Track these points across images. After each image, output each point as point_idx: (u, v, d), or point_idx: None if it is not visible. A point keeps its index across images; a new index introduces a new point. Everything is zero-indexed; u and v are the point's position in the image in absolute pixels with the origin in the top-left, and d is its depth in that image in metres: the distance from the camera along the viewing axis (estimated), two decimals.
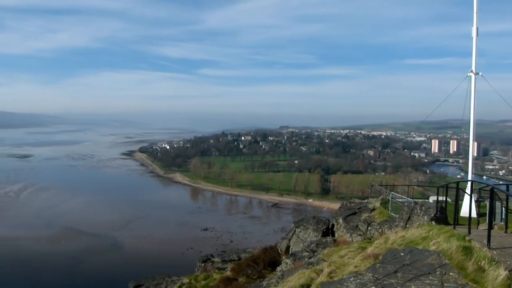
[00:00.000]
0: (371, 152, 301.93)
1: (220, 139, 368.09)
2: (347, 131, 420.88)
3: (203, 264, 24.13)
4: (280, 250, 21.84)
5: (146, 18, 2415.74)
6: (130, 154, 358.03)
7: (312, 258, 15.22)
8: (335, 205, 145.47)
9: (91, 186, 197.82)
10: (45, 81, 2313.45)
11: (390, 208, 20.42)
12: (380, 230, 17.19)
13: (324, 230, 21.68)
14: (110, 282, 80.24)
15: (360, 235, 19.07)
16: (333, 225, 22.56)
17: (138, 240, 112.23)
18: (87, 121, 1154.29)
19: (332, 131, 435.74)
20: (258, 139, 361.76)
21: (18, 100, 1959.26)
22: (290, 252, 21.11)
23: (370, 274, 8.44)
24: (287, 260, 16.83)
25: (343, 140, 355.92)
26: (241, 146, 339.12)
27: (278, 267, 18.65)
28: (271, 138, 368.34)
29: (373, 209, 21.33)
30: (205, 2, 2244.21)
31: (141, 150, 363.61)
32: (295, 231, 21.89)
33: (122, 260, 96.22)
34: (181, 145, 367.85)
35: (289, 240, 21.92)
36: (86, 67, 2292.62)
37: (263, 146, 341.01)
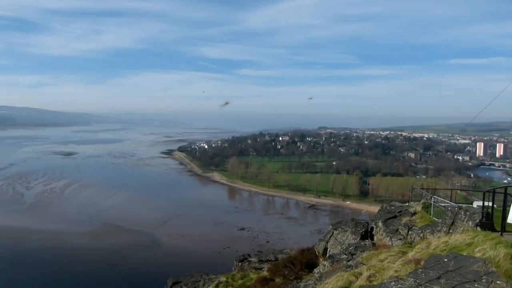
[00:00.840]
0: (412, 155, 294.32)
1: (258, 139, 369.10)
2: (387, 132, 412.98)
3: (240, 264, 24.24)
4: (318, 252, 21.61)
5: (187, 19, 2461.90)
6: (169, 153, 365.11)
7: (350, 261, 14.98)
8: (374, 208, 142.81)
9: (132, 183, 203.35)
10: (90, 81, 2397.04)
11: (432, 213, 19.83)
12: (422, 235, 16.73)
13: (363, 233, 21.29)
14: (150, 278, 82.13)
15: (400, 239, 18.63)
16: (372, 228, 22.12)
17: (176, 238, 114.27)
18: (129, 120, 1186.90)
19: (372, 132, 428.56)
20: (296, 139, 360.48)
21: (64, 100, 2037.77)
22: (327, 254, 20.86)
23: (412, 279, 8.22)
24: (325, 262, 16.63)
25: (383, 141, 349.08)
26: (279, 147, 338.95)
27: (315, 269, 18.48)
28: (309, 139, 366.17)
29: (414, 213, 20.78)
30: (245, 3, 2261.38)
31: (180, 149, 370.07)
32: (333, 233, 21.61)
33: (160, 257, 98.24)
34: (219, 144, 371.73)
35: (327, 242, 21.66)
36: (129, 67, 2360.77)
37: (301, 146, 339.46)
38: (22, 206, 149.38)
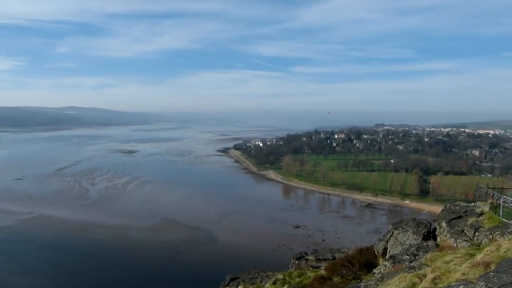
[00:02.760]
0: (476, 152, 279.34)
1: (313, 137, 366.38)
2: (449, 129, 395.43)
3: (297, 261, 24.11)
4: (377, 252, 21.05)
5: (242, 18, 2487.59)
6: (225, 151, 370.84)
7: (413, 262, 14.45)
8: (435, 208, 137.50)
9: (189, 181, 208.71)
10: (149, 81, 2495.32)
11: (501, 213, 18.69)
12: (491, 236, 15.80)
13: (425, 233, 20.47)
14: (207, 272, 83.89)
15: (466, 240, 17.71)
16: (434, 229, 21.22)
17: (232, 234, 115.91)
18: (186, 119, 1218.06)
19: (432, 129, 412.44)
20: (352, 137, 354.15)
21: (126, 100, 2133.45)
22: (387, 255, 20.26)
23: (483, 283, 7.79)
24: (386, 263, 16.14)
25: (444, 138, 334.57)
26: (334, 144, 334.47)
27: (375, 269, 18.00)
28: (366, 136, 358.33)
29: (481, 214, 19.67)
30: (299, 0, 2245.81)
31: (236, 147, 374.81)
32: (393, 233, 20.95)
33: (217, 253, 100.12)
34: (274, 142, 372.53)
35: (387, 242, 21.03)
36: (186, 67, 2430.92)
37: (357, 144, 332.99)
38: (88, 201, 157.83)
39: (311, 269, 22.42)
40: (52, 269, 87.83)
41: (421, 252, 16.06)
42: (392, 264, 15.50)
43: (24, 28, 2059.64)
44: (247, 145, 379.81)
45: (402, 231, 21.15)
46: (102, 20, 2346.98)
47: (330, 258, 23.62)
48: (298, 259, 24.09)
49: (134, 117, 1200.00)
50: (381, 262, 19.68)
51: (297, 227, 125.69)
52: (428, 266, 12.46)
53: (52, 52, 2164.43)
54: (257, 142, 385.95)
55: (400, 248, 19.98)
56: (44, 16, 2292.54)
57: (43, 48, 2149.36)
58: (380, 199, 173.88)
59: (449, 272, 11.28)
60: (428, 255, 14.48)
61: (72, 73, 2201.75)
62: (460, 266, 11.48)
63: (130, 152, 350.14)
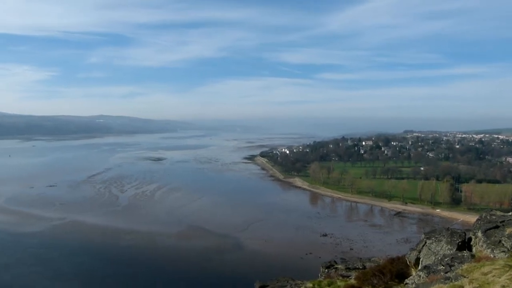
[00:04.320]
0: (511, 159, 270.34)
1: (340, 144, 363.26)
2: (482, 135, 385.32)
3: (326, 270, 23.71)
4: (409, 262, 20.50)
5: (268, 26, 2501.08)
6: (251, 158, 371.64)
7: (449, 273, 13.97)
8: (468, 217, 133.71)
9: (216, 188, 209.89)
10: (176, 90, 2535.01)
11: None
12: None
13: (460, 243, 19.79)
14: (235, 280, 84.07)
15: (503, 251, 17.01)
16: (469, 239, 20.52)
17: (259, 242, 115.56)
18: (213, 126, 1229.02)
19: (464, 135, 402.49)
20: (380, 144, 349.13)
21: (154, 108, 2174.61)
22: (420, 265, 19.70)
23: None
24: (420, 273, 15.69)
25: (477, 145, 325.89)
26: (362, 151, 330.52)
27: (408, 279, 17.51)
28: (394, 143, 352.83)
29: None
30: (325, 6, 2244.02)
31: (262, 155, 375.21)
32: (425, 242, 20.36)
33: (244, 260, 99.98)
34: (300, 150, 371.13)
35: (419, 251, 20.45)
36: (212, 76, 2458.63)
37: (386, 151, 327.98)
38: (117, 208, 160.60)
39: (340, 278, 22.01)
40: (82, 274, 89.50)
41: (456, 263, 15.52)
42: (427, 275, 15.05)
43: (57, 40, 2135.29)
44: (274, 152, 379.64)
45: (435, 241, 20.54)
46: (131, 31, 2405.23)
47: (360, 267, 23.12)
48: (327, 267, 23.68)
49: (162, 125, 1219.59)
50: (413, 272, 19.14)
51: (325, 235, 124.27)
52: (465, 277, 12.03)
53: (84, 62, 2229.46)
54: (283, 149, 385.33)
55: (434, 258, 19.39)
56: (76, 28, 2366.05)
57: (75, 59, 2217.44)
58: (410, 207, 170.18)
59: (487, 283, 10.87)
60: (464, 266, 13.98)
61: (102, 82, 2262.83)
62: (499, 278, 11.06)
63: (158, 159, 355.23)
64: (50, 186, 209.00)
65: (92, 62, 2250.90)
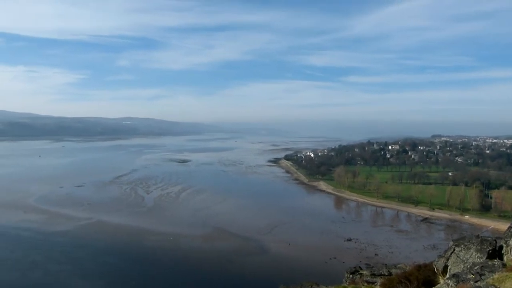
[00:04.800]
0: None
1: (366, 148, 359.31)
2: None
3: (351, 276, 23.37)
4: (437, 269, 20.01)
5: (293, 29, 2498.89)
6: (276, 161, 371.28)
7: (479, 282, 13.56)
8: (498, 224, 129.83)
9: (240, 190, 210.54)
10: (202, 93, 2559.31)
11: None
12: None
13: (490, 251, 19.19)
14: (258, 283, 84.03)
15: None
16: (500, 247, 19.89)
17: (283, 245, 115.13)
18: (238, 129, 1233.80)
19: (494, 140, 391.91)
20: (407, 148, 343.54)
21: (180, 111, 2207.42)
22: (448, 273, 19.20)
23: None
24: (449, 281, 15.27)
25: (508, 150, 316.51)
26: (388, 156, 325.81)
27: (436, 287, 17.11)
28: (422, 148, 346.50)
29: None
30: (352, 9, 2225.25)
31: (287, 158, 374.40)
32: (454, 249, 19.84)
33: (267, 264, 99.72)
34: (325, 153, 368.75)
35: (447, 259, 19.93)
36: (238, 78, 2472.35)
37: (412, 156, 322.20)
38: (143, 209, 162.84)
39: (366, 284, 21.66)
40: (107, 273, 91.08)
41: (486, 272, 15.05)
42: (456, 283, 14.64)
43: (88, 44, 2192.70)
44: (298, 155, 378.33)
45: (464, 248, 19.98)
46: (158, 34, 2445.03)
47: (386, 274, 22.69)
48: (352, 273, 23.31)
49: (187, 127, 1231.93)
50: (441, 280, 18.66)
51: (349, 240, 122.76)
52: (496, 287, 11.64)
53: (112, 65, 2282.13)
54: (308, 153, 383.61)
55: (463, 266, 18.85)
56: (106, 32, 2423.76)
57: (104, 62, 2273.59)
58: (437, 213, 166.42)
59: None
60: (495, 275, 13.56)
61: (129, 85, 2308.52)
62: None
63: (183, 161, 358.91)
64: (79, 186, 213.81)
65: (120, 65, 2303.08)
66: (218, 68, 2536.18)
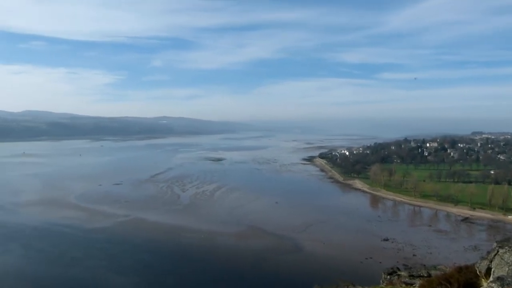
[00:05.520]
0: None
1: (402, 146, 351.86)
2: None
3: (388, 277, 22.67)
4: (479, 272, 19.06)
5: (327, 26, 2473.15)
6: (310, 159, 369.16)
7: None
8: None
9: (274, 188, 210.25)
10: (235, 91, 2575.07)
11: None
12: None
13: None
14: (292, 282, 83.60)
15: None
16: None
17: (317, 244, 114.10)
18: (271, 127, 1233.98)
19: None
20: (446, 146, 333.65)
21: (213, 110, 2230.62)
22: (492, 276, 18.26)
23: None
24: (493, 285, 14.47)
25: None
26: (426, 154, 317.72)
27: None
28: (461, 145, 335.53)
29: None
30: (387, 4, 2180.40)
31: (321, 156, 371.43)
32: (498, 251, 18.85)
33: (301, 262, 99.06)
34: (360, 151, 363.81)
35: (491, 261, 18.97)
36: (271, 77, 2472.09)
37: (452, 153, 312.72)
38: (178, 207, 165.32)
39: (404, 285, 20.95)
40: (143, 270, 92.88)
41: None
42: (500, 287, 13.87)
43: (123, 45, 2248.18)
44: (333, 153, 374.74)
45: (509, 250, 18.97)
46: (192, 34, 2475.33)
47: (425, 275, 21.86)
48: (389, 274, 22.58)
49: (221, 126, 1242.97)
50: (484, 283, 17.77)
51: (386, 239, 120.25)
52: None
53: (148, 66, 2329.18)
54: (342, 151, 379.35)
55: (507, 269, 17.88)
56: (141, 33, 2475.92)
57: (140, 63, 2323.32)
58: (478, 213, 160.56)
59: None
60: None
61: (164, 85, 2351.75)
62: None
63: (218, 160, 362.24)
64: (116, 184, 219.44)
65: (155, 65, 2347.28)
66: (251, 67, 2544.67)
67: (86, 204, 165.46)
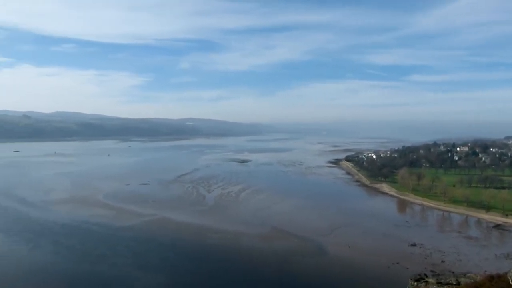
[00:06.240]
0: None
1: (431, 150, 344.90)
2: None
3: (415, 283, 22.05)
4: None
5: (354, 28, 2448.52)
6: (336, 162, 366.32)
7: None
8: None
9: (300, 191, 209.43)
10: (261, 93, 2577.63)
11: None
12: None
13: None
14: (317, 285, 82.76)
15: None
16: None
17: (343, 248, 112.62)
18: (297, 130, 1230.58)
19: None
20: (477, 150, 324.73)
21: (240, 112, 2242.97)
22: None
23: None
24: None
25: None
26: (456, 158, 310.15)
27: None
28: (494, 150, 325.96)
29: None
30: (416, 5, 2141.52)
31: (347, 159, 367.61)
32: None
33: (327, 266, 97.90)
34: (388, 154, 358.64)
35: None
36: (297, 79, 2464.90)
37: (483, 158, 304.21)
38: (204, 207, 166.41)
39: None
40: (168, 268, 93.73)
41: None
42: None
43: (151, 47, 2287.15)
44: (359, 156, 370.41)
45: None
46: (218, 36, 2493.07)
47: (454, 283, 21.14)
48: (416, 280, 21.94)
49: (247, 128, 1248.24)
50: None
51: (413, 245, 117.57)
52: None
53: (175, 68, 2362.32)
54: (369, 154, 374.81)
55: None
56: (169, 35, 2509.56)
57: (168, 65, 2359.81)
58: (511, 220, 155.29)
59: None
60: None
61: (191, 87, 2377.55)
62: None
63: (243, 161, 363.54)
64: (144, 184, 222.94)
65: (183, 67, 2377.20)
66: (277, 68, 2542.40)
67: (114, 203, 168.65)
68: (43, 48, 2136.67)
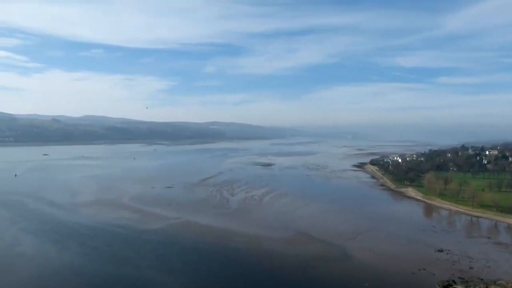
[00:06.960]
0: None
1: (459, 153, 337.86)
2: None
3: None
4: None
5: (379, 30, 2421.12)
6: (361, 166, 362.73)
7: None
8: None
9: (324, 195, 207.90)
10: (285, 97, 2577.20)
11: None
12: None
13: None
14: None
15: None
16: None
17: (367, 253, 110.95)
18: (322, 133, 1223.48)
19: None
20: (507, 154, 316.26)
21: (264, 115, 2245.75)
22: None
23: None
24: None
25: None
26: (485, 162, 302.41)
27: None
28: None
29: None
30: (443, 6, 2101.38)
31: (372, 163, 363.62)
32: None
33: (351, 271, 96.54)
34: (414, 158, 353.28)
35: None
36: (321, 82, 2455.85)
37: None
38: (228, 211, 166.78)
39: None
40: (190, 271, 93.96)
41: None
42: None
43: (177, 52, 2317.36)
44: (385, 160, 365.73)
45: None
46: (243, 40, 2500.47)
47: None
48: (444, 287, 21.36)
49: (271, 131, 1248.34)
50: None
51: (440, 250, 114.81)
52: None
53: (200, 72, 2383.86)
54: (395, 158, 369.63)
55: None
56: (194, 40, 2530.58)
57: (193, 69, 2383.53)
58: None
59: None
60: None
61: (216, 90, 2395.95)
62: None
63: (267, 165, 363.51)
64: (168, 187, 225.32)
65: (207, 71, 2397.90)
66: (302, 72, 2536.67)
67: (139, 206, 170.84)
68: (73, 54, 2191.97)
